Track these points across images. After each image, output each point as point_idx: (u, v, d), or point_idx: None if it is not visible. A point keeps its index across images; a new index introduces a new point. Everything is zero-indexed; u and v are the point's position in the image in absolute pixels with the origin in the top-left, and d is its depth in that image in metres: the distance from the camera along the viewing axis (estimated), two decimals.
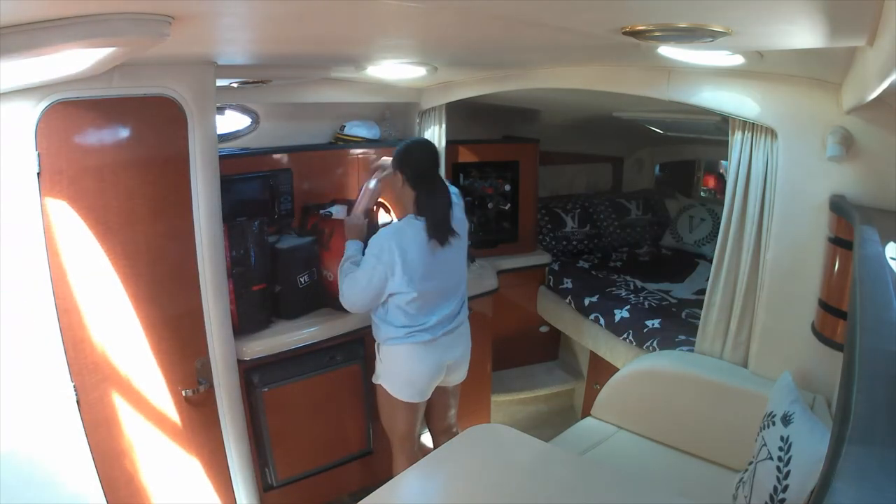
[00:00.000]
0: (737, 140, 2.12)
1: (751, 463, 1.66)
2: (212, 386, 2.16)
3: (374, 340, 2.37)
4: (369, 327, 2.70)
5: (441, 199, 2.22)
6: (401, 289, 2.16)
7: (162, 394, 2.04)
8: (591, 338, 3.20)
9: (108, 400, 1.91)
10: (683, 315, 2.89)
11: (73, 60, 1.32)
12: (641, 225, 4.26)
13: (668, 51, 1.65)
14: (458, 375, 2.45)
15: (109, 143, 1.84)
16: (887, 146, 1.78)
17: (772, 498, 1.44)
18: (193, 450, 2.15)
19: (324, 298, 2.65)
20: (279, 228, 2.72)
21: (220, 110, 2.77)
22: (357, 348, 2.66)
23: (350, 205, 2.53)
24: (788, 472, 1.43)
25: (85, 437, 1.85)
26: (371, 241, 2.19)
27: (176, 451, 2.11)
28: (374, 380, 2.40)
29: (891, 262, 1.13)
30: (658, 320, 2.80)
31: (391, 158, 2.30)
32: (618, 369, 2.58)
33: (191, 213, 2.02)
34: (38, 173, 1.67)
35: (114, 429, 1.94)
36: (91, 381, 1.86)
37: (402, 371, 2.30)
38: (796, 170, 1.97)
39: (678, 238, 4.16)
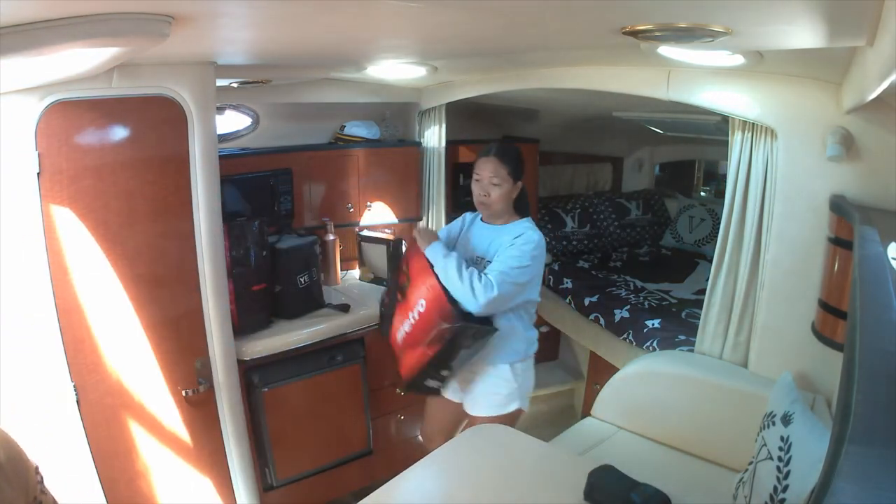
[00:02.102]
0: (737, 140, 2.12)
1: (751, 463, 1.66)
2: (212, 386, 2.16)
3: (503, 362, 2.10)
4: (369, 327, 2.70)
5: None
6: (536, 292, 2.10)
7: (162, 394, 2.04)
8: (591, 338, 3.20)
9: (108, 400, 1.91)
10: (683, 315, 2.89)
11: (73, 60, 1.32)
12: (641, 225, 4.26)
13: (668, 51, 1.65)
14: None
15: (109, 142, 1.84)
16: (887, 146, 1.78)
17: (772, 498, 1.44)
18: (193, 450, 2.15)
19: (323, 299, 2.65)
20: (279, 228, 2.72)
21: (220, 110, 2.77)
22: (357, 348, 2.66)
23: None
24: (788, 472, 1.43)
25: (85, 437, 1.85)
26: (527, 238, 2.01)
27: (176, 450, 2.10)
28: (513, 407, 2.12)
29: (892, 262, 1.13)
30: (658, 320, 2.80)
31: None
32: (618, 369, 2.57)
33: (191, 213, 2.02)
34: (39, 173, 1.68)
35: (114, 429, 1.94)
36: (91, 381, 1.86)
37: (532, 381, 2.21)
38: (796, 170, 1.97)
39: (678, 238, 4.17)
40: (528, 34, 1.58)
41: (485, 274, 1.96)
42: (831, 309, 1.79)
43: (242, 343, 2.32)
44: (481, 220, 2.21)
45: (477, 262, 2.11)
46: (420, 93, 3.23)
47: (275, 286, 2.51)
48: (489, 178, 2.07)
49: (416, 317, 2.00)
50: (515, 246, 2.00)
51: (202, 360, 2.14)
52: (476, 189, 2.11)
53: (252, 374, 2.37)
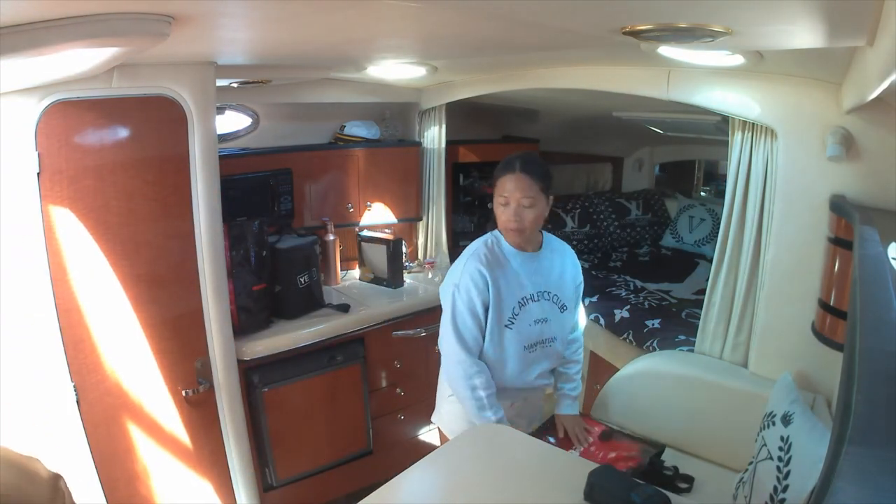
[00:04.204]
0: (737, 140, 2.12)
1: (751, 463, 1.66)
2: (212, 386, 2.16)
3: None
4: (369, 327, 2.70)
5: None
6: None
7: (162, 394, 2.04)
8: (591, 338, 3.20)
9: (108, 400, 1.91)
10: (683, 315, 2.89)
11: (73, 60, 1.32)
12: (641, 225, 4.26)
13: (668, 51, 1.65)
14: None
15: (109, 143, 1.84)
16: (887, 146, 1.78)
17: (772, 498, 1.44)
18: (193, 450, 2.15)
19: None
20: (279, 228, 2.72)
21: (220, 110, 2.77)
22: (357, 348, 2.66)
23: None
24: (788, 472, 1.43)
25: (85, 437, 1.85)
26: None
27: (176, 450, 2.11)
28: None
29: (892, 262, 1.13)
30: (658, 320, 2.80)
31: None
32: (618, 369, 2.57)
33: (191, 213, 2.02)
34: (39, 173, 1.68)
35: (114, 429, 1.94)
36: (91, 381, 1.86)
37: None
38: (796, 170, 1.97)
39: (678, 238, 4.16)
40: (528, 34, 1.58)
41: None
42: (831, 309, 1.78)
43: (242, 343, 2.32)
44: (511, 247, 1.85)
45: (540, 298, 1.89)
46: (420, 93, 3.23)
47: (275, 286, 2.51)
48: (519, 200, 1.74)
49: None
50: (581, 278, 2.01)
51: (202, 360, 2.14)
52: (503, 215, 1.77)
53: (252, 374, 2.37)
